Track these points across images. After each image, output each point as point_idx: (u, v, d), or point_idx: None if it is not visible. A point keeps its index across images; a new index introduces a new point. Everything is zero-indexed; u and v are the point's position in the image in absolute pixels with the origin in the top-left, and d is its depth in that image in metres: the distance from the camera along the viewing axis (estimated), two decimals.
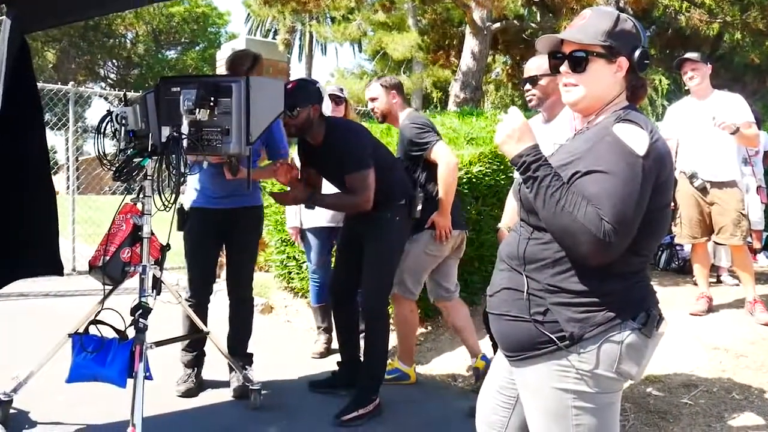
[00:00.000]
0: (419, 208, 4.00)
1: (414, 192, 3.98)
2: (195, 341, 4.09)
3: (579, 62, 1.99)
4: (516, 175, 3.73)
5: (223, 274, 4.31)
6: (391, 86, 4.33)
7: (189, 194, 4.11)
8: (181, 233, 3.56)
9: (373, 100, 4.35)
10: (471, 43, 11.02)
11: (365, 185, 3.68)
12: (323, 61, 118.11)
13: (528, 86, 3.44)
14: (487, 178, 5.37)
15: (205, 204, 4.03)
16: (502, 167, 5.50)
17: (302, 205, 4.76)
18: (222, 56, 7.89)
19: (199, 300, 4.01)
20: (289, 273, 6.33)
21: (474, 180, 5.28)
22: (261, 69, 4.01)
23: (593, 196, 1.79)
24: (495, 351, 2.77)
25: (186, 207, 4.04)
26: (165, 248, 3.36)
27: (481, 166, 5.35)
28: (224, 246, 4.15)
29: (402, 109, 4.33)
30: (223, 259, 4.25)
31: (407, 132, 4.16)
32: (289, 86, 3.65)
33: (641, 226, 1.83)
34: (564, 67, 2.03)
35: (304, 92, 3.71)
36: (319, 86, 3.81)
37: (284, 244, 6.20)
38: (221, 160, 3.79)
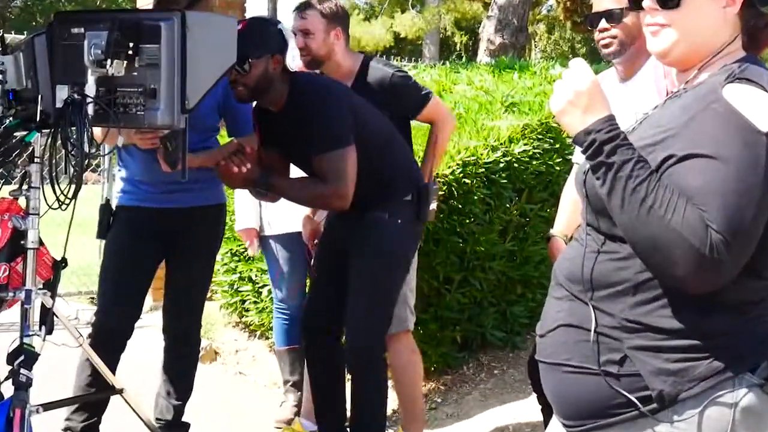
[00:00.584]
0: (433, 206, 4.00)
1: (424, 181, 3.99)
2: (90, 403, 4.07)
3: None
4: (578, 157, 3.73)
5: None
6: (334, 17, 4.24)
7: (117, 188, 4.13)
8: (94, 242, 3.57)
9: (306, 33, 4.22)
10: None
11: (340, 171, 3.68)
12: None
13: (604, 24, 3.45)
14: (534, 162, 5.39)
15: (140, 201, 4.07)
16: (557, 146, 5.51)
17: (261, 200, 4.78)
18: None
19: (115, 335, 3.99)
20: (243, 302, 6.33)
21: (516, 165, 5.29)
22: (207, 5, 4.02)
23: (695, 193, 1.79)
24: (547, 418, 2.77)
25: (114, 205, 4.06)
26: (59, 265, 3.36)
27: (526, 143, 5.37)
28: (165, 261, 4.19)
29: (349, 54, 4.30)
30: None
31: (397, 82, 4.18)
32: (238, 28, 3.66)
33: (764, 237, 1.83)
34: (649, 1, 2.03)
35: (259, 36, 3.70)
36: (282, 28, 3.80)
37: (235, 258, 6.20)
38: (152, 143, 3.81)
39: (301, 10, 4.29)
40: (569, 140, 5.55)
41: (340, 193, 3.68)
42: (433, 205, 4.03)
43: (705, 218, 1.76)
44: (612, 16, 3.40)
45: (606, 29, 3.44)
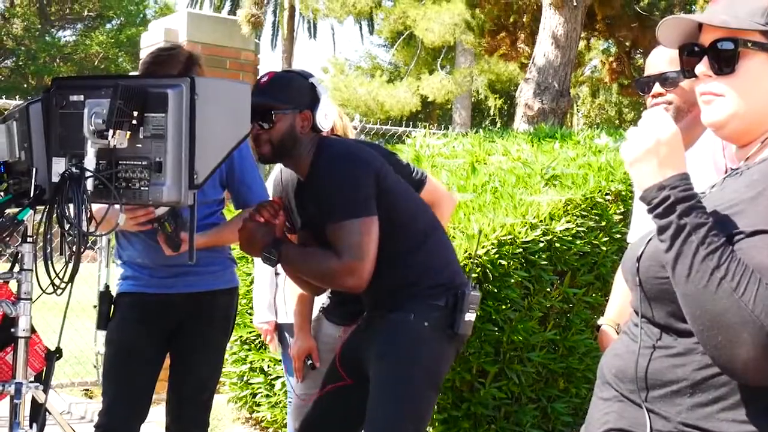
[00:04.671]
0: (469, 315, 3.68)
1: (465, 286, 3.71)
2: None
3: (725, 58, 2.01)
4: (633, 237, 3.69)
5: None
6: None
7: (116, 270, 4.15)
8: (88, 327, 3.58)
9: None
10: (552, 21, 11.14)
11: (354, 243, 3.49)
12: (312, 47, 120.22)
13: (658, 89, 3.44)
14: (578, 242, 5.38)
15: (143, 287, 4.09)
16: (603, 223, 5.51)
17: (276, 283, 4.78)
18: (149, 42, 8.03)
19: None
20: (254, 395, 6.32)
21: (557, 244, 5.29)
22: (201, 73, 4.04)
23: (765, 270, 1.78)
24: None
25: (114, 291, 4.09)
26: (53, 355, 3.36)
27: (568, 221, 5.37)
28: (170, 353, 4.21)
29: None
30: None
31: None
32: (264, 80, 3.65)
33: None
34: (703, 67, 2.05)
35: (287, 88, 3.66)
36: (314, 82, 3.74)
37: (245, 347, 6.19)
38: (144, 226, 3.82)
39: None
40: (617, 217, 5.58)
41: (353, 269, 3.49)
42: (472, 316, 3.72)
43: None
44: (667, 80, 3.36)
45: (660, 94, 3.43)
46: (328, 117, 3.70)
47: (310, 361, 4.32)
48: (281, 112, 3.60)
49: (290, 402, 5.14)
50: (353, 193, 3.55)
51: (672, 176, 1.91)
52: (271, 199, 3.80)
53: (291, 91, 3.66)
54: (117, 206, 3.03)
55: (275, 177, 4.14)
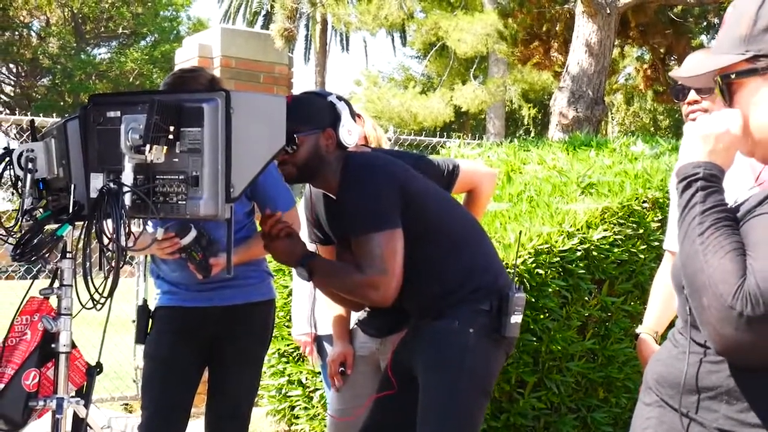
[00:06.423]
0: (516, 318, 3.66)
1: (509, 288, 3.69)
2: None
3: (725, 95, 2.07)
4: (670, 244, 3.66)
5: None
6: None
7: (153, 285, 4.18)
8: (126, 342, 3.59)
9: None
10: (585, 29, 11.11)
11: (375, 257, 3.47)
12: (344, 60, 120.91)
13: (693, 96, 3.42)
14: (616, 250, 5.35)
15: (181, 301, 4.13)
16: (641, 231, 5.48)
17: (315, 295, 4.78)
18: (184, 57, 8.09)
19: None
20: (292, 408, 6.32)
21: (595, 253, 5.26)
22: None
23: (752, 244, 1.82)
24: None
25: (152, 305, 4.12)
26: (94, 370, 3.37)
27: (605, 229, 5.34)
28: (208, 367, 4.23)
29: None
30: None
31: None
32: None
33: None
34: (720, 99, 2.11)
35: (307, 110, 3.67)
36: (333, 100, 3.75)
37: (283, 359, 6.20)
38: (172, 256, 3.85)
39: None
40: (654, 225, 5.54)
41: (376, 283, 3.47)
42: (518, 318, 3.69)
43: (750, 264, 1.78)
44: (702, 88, 3.37)
45: (696, 101, 3.41)
46: (352, 133, 3.69)
47: (342, 368, 4.32)
48: (304, 134, 3.60)
49: (329, 415, 5.13)
50: (374, 206, 3.55)
51: (710, 164, 1.97)
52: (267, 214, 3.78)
53: (311, 112, 3.66)
54: (149, 230, 3.04)
55: (305, 194, 4.16)
